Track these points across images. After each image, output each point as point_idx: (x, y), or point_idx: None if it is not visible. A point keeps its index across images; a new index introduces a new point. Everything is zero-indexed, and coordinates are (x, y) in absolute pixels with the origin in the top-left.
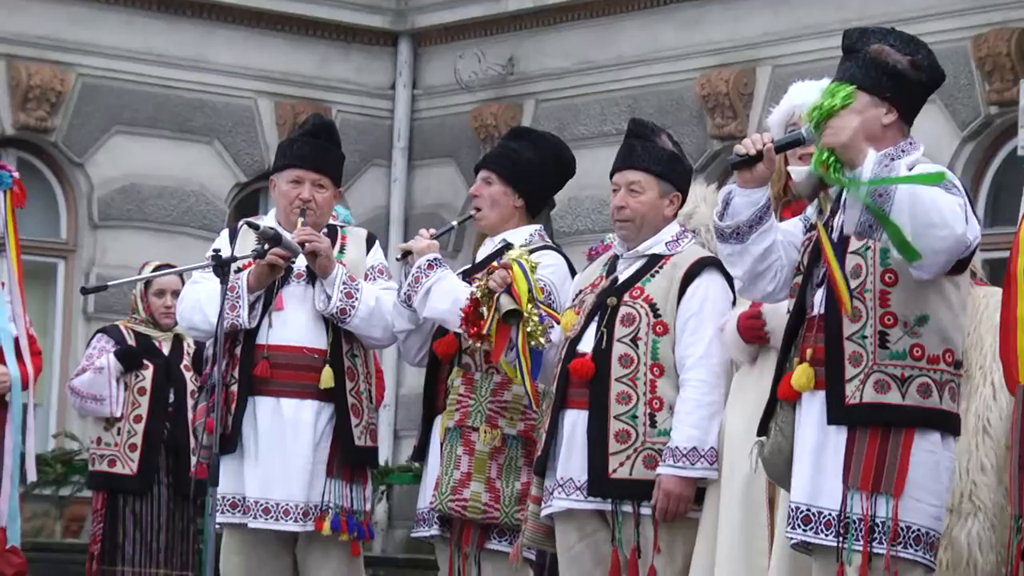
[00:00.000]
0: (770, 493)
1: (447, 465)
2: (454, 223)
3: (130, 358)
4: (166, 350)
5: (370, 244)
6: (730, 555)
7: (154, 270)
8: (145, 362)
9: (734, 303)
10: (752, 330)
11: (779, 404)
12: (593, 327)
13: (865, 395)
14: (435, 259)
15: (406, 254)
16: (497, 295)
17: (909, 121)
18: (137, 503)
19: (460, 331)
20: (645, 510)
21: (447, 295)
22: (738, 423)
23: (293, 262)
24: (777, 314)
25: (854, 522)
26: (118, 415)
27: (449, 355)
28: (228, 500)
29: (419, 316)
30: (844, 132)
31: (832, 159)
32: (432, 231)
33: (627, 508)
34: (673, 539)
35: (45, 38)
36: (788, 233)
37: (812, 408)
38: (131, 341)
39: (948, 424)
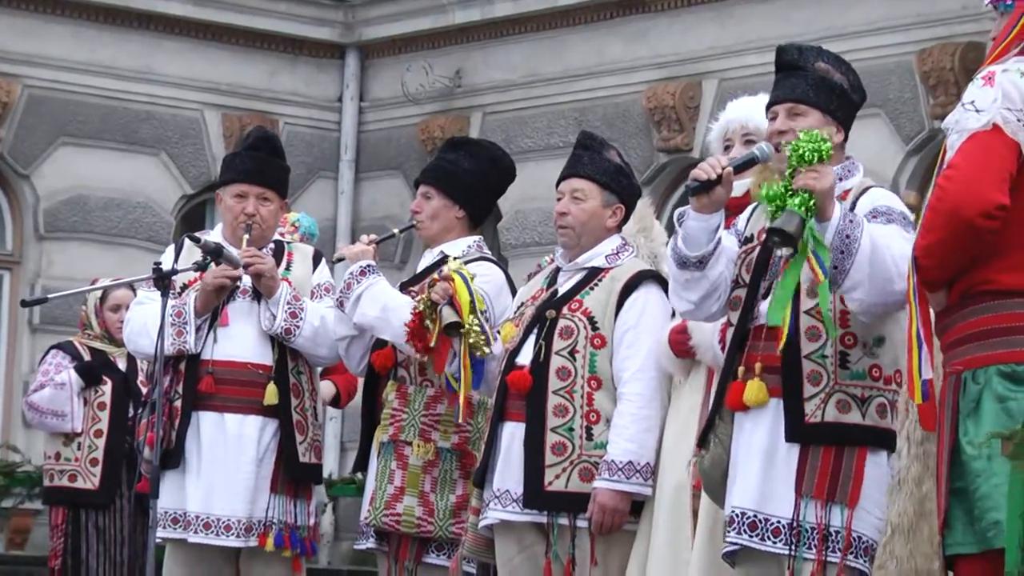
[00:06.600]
0: (694, 506)
1: (381, 480)
2: (395, 230)
3: (91, 373)
4: (122, 365)
5: (316, 262)
6: (658, 568)
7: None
8: (104, 377)
9: (673, 316)
10: (680, 344)
11: (719, 416)
12: (532, 339)
13: (827, 414)
14: (368, 266)
15: (340, 260)
16: (440, 307)
17: (846, 141)
18: (100, 517)
19: (388, 339)
20: (581, 523)
21: (376, 302)
22: (668, 436)
23: (239, 281)
24: (700, 328)
25: (807, 530)
26: (79, 430)
27: (387, 368)
28: (170, 515)
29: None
30: (828, 177)
31: (812, 203)
32: (373, 236)
33: (563, 520)
34: (609, 551)
35: None
36: (727, 250)
37: (762, 416)
38: (86, 356)
39: (893, 443)
